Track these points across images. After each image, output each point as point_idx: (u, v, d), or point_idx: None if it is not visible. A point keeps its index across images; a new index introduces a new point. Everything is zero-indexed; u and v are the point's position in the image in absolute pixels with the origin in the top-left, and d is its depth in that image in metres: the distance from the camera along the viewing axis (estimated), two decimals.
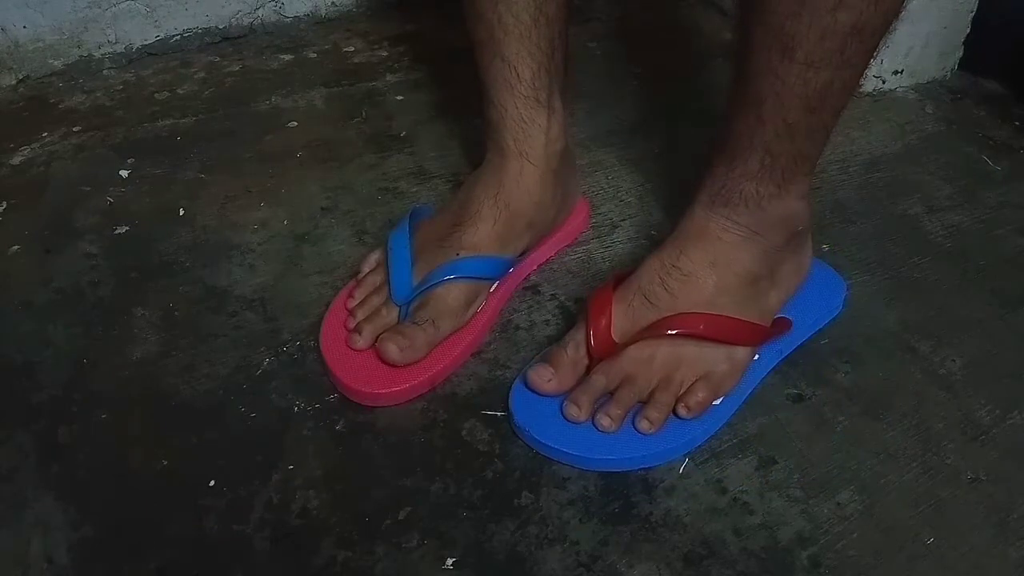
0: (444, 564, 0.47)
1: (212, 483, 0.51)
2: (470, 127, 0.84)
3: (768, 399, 0.57)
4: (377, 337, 0.57)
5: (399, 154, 0.82)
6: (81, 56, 0.95)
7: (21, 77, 0.93)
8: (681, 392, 0.54)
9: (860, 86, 0.52)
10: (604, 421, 0.52)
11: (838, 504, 0.51)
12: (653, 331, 0.54)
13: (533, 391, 0.54)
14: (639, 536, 0.49)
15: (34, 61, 0.93)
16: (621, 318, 0.55)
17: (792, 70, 0.48)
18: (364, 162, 0.81)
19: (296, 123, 0.86)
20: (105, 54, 0.96)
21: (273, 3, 1.03)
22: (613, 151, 0.83)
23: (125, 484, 0.52)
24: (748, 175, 0.54)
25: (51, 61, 0.94)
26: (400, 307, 0.59)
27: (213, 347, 0.61)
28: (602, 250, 0.70)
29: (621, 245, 0.71)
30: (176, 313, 0.64)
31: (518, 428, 0.54)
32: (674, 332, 0.54)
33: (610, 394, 0.54)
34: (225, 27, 1.02)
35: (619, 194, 0.77)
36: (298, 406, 0.56)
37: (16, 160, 0.81)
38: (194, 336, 0.62)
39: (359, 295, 0.61)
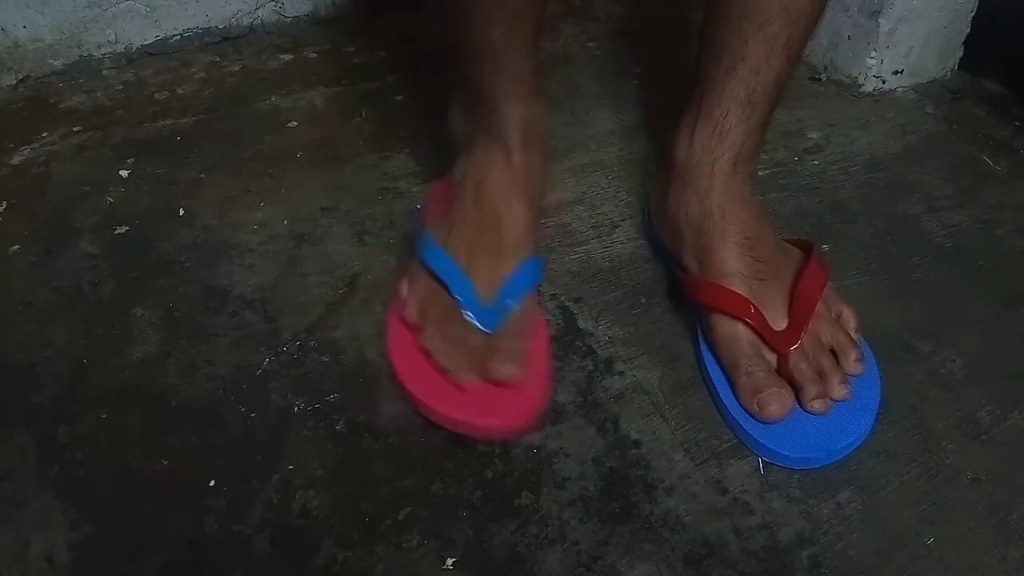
0: (444, 564, 0.47)
1: (212, 483, 0.51)
2: None
3: None
4: (483, 367, 0.53)
5: (399, 154, 0.82)
6: (81, 56, 0.95)
7: (21, 77, 0.93)
8: (835, 344, 0.56)
9: None
10: (821, 405, 0.53)
11: (838, 504, 0.51)
12: (808, 309, 0.55)
13: (774, 420, 0.52)
14: (639, 536, 0.49)
15: (34, 61, 0.93)
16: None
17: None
18: (364, 162, 0.81)
19: (296, 123, 0.86)
20: (105, 54, 0.96)
21: (273, 3, 1.04)
22: (613, 151, 0.83)
23: (125, 484, 0.52)
24: (765, 121, 0.58)
25: (51, 61, 0.94)
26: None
27: (213, 347, 0.61)
28: (602, 250, 0.70)
29: (621, 245, 0.71)
30: (176, 313, 0.64)
31: (799, 461, 0.52)
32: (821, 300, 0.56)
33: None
34: (225, 27, 1.02)
35: (619, 194, 0.77)
36: (298, 406, 0.56)
37: (16, 160, 0.81)
38: (194, 336, 0.62)
39: (435, 334, 0.55)
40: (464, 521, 0.50)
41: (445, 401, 0.53)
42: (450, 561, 0.47)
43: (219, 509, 0.50)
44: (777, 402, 0.52)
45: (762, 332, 0.55)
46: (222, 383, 0.58)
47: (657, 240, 0.68)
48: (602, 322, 0.63)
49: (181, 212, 0.74)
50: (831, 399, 0.53)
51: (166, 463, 0.53)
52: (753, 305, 0.55)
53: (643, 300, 0.65)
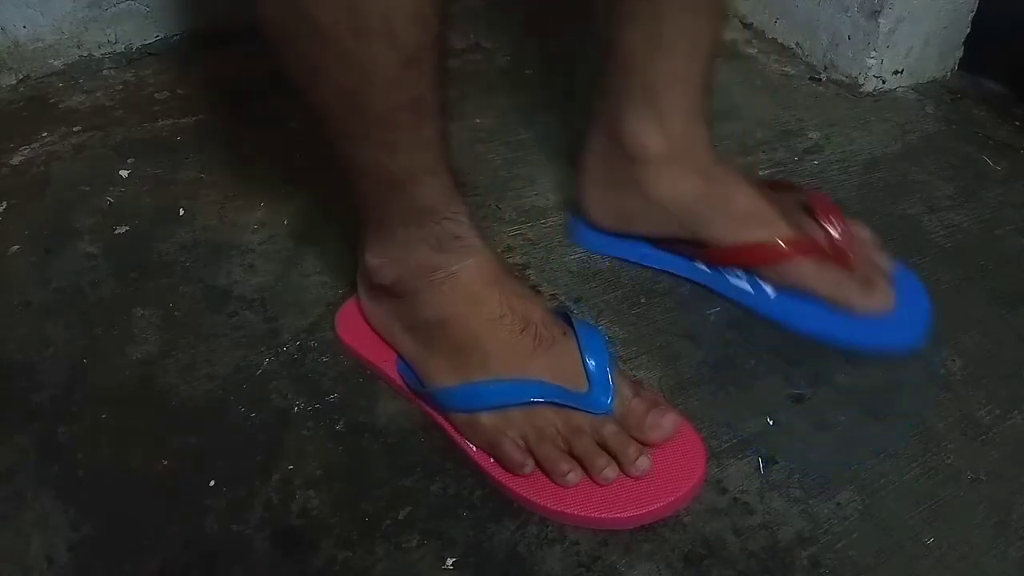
0: (444, 564, 0.47)
1: (212, 483, 0.51)
2: (467, 127, 0.84)
3: (768, 399, 0.57)
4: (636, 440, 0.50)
5: None
6: (81, 56, 0.95)
7: (21, 77, 0.93)
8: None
9: None
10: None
11: (838, 504, 0.51)
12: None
13: (872, 312, 0.59)
14: (638, 536, 0.49)
15: (34, 61, 0.93)
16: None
17: None
18: None
19: (296, 123, 0.86)
20: (105, 54, 0.96)
21: None
22: None
23: (125, 484, 0.52)
24: (711, 75, 0.62)
25: (51, 61, 0.94)
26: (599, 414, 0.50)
27: (213, 347, 0.61)
28: None
29: None
30: (176, 313, 0.64)
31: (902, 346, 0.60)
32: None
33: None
34: (224, 27, 1.02)
35: None
36: (298, 406, 0.56)
37: (16, 160, 0.81)
38: (194, 336, 0.62)
39: (560, 459, 0.49)
40: (464, 521, 0.50)
41: (591, 506, 0.49)
42: (450, 561, 0.47)
43: (219, 509, 0.50)
44: (882, 292, 0.60)
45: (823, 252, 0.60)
46: (222, 383, 0.58)
47: (616, 238, 0.68)
48: (602, 322, 0.63)
49: (181, 212, 0.74)
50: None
51: (166, 463, 0.53)
52: (814, 248, 0.60)
53: (643, 300, 0.65)
